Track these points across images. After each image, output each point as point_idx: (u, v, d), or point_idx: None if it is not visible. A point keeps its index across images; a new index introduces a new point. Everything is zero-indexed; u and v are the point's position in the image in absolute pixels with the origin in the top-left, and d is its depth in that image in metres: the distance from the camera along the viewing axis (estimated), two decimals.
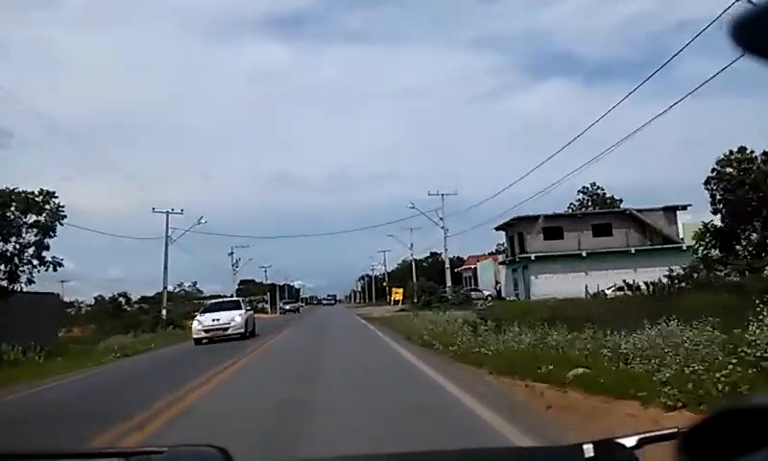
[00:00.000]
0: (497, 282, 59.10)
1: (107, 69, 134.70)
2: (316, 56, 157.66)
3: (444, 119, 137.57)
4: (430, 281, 51.15)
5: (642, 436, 1.21)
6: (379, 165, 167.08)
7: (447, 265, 48.66)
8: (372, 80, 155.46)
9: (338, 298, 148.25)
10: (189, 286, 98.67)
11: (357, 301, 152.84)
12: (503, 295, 54.03)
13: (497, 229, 54.98)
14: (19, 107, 71.74)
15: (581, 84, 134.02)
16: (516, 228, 50.44)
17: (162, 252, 47.42)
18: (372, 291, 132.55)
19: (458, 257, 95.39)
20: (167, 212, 47.26)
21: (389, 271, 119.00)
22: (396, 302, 69.24)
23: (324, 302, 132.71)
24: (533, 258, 47.50)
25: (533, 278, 47.76)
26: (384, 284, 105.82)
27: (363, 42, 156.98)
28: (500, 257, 57.70)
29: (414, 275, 70.38)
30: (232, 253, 79.58)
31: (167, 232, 46.97)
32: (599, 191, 66.04)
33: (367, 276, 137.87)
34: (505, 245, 55.64)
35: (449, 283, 47.80)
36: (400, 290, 69.74)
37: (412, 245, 70.29)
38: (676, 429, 1.09)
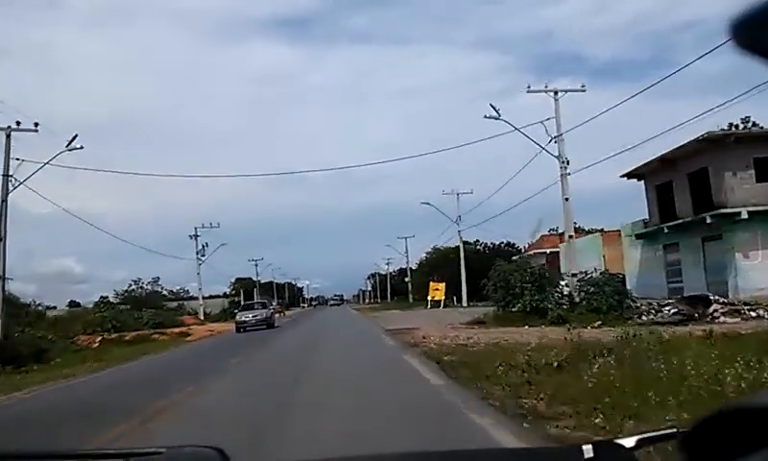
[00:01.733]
0: (613, 275, 35.10)
1: (112, 70, 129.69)
2: (321, 57, 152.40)
3: (451, 118, 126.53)
4: (540, 267, 26.36)
5: (642, 437, 1.17)
6: (385, 165, 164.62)
7: (570, 232, 24.35)
8: (377, 79, 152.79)
9: (345, 298, 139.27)
10: (149, 283, 74.71)
11: (367, 301, 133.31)
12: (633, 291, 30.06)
13: (628, 176, 31.14)
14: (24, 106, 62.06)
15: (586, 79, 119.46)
16: (688, 162, 26.52)
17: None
18: (386, 290, 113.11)
19: (507, 243, 71.60)
20: (8, 130, 23.66)
21: (405, 265, 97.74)
22: (437, 302, 45.64)
23: (332, 302, 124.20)
24: (744, 215, 23.50)
25: (739, 257, 23.85)
26: (406, 281, 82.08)
27: (368, 42, 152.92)
28: (627, 228, 33.67)
29: (462, 262, 46.52)
30: (197, 235, 56.30)
31: (7, 168, 23.33)
32: (755, 127, 41.72)
33: (377, 274, 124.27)
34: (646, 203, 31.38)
35: (571, 271, 23.73)
36: (442, 285, 45.97)
37: (459, 218, 46.20)
38: (675, 430, 1.06)
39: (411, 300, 76.79)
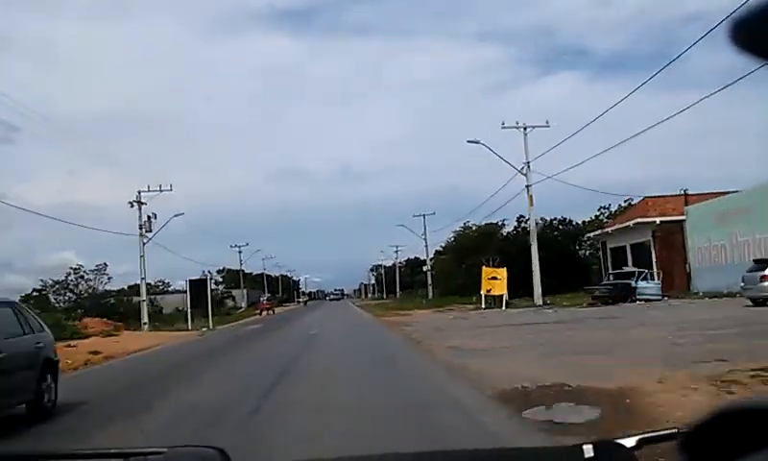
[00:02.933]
0: None
1: (112, 63, 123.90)
2: (323, 49, 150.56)
3: (453, 111, 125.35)
4: None
5: (642, 436, 1.16)
6: (387, 159, 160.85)
7: None
8: (380, 72, 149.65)
9: (345, 292, 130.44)
10: (93, 271, 57.80)
11: (370, 295, 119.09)
12: None
13: None
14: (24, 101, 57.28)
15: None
16: None
17: None
18: (393, 282, 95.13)
19: (561, 220, 54.93)
20: None
21: (415, 255, 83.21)
22: (495, 298, 29.29)
23: (332, 297, 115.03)
24: None
25: None
26: (425, 269, 65.48)
27: (370, 35, 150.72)
28: None
29: (533, 236, 30.05)
30: (140, 202, 40.02)
31: None
32: None
33: (382, 266, 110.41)
34: None
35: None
36: (502, 272, 29.39)
37: (528, 166, 29.37)
38: (676, 430, 1.05)
39: (431, 293, 60.32)
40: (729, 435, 0.76)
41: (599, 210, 64.06)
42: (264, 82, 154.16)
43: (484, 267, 29.15)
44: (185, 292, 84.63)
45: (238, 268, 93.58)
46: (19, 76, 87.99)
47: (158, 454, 1.16)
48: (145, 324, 37.78)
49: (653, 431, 1.20)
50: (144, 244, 39.93)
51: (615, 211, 61.66)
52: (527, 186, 29.00)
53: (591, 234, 38.84)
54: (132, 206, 39.84)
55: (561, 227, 52.49)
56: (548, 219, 52.67)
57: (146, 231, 39.89)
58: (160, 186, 40.01)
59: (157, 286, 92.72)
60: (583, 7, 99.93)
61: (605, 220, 61.99)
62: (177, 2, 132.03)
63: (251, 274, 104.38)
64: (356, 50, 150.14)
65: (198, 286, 31.22)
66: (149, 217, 40.04)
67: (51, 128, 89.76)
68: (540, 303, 27.82)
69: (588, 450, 1.09)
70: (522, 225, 52.04)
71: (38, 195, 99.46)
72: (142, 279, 40.24)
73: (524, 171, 29.00)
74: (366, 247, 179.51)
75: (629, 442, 1.14)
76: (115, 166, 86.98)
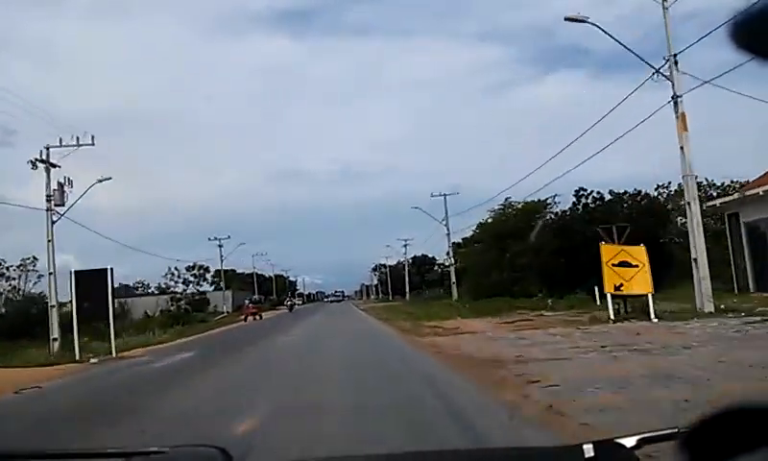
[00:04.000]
0: None
1: (112, 63, 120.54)
2: (323, 49, 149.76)
3: (453, 112, 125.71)
4: None
5: (642, 436, 1.16)
6: (386, 159, 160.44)
7: None
8: (380, 72, 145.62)
9: (346, 293, 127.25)
10: (18, 267, 44.07)
11: (373, 297, 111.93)
12: None
13: None
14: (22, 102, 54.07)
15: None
16: None
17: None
18: (401, 281, 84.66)
19: (639, 192, 40.62)
20: None
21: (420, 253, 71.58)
22: (623, 301, 16.29)
23: (332, 298, 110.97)
24: None
25: None
26: (448, 265, 52.48)
27: (370, 35, 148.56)
28: None
29: (691, 191, 17.16)
30: (47, 161, 27.33)
31: None
32: None
33: (386, 265, 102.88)
34: None
35: None
36: (641, 253, 16.26)
37: (675, 59, 16.45)
38: (676, 429, 1.05)
39: (456, 294, 47.52)
40: (729, 435, 0.75)
41: (656, 190, 51.25)
42: (264, 82, 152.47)
43: (603, 245, 16.06)
44: (156, 294, 69.95)
45: (230, 267, 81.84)
46: (19, 76, 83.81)
47: (161, 453, 1.13)
48: (55, 340, 24.87)
49: (653, 431, 1.14)
50: (54, 223, 27.09)
51: (675, 191, 49.15)
52: (675, 99, 16.13)
53: (717, 203, 25.95)
54: (36, 167, 27.13)
55: (631, 201, 39.34)
56: (617, 191, 39.64)
57: (56, 205, 27.14)
58: (78, 139, 27.24)
59: (136, 288, 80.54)
60: (583, 7, 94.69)
61: (663, 200, 49.81)
62: (177, 2, 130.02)
63: (242, 274, 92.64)
64: (356, 50, 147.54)
65: (90, 282, 17.45)
66: (60, 185, 27.27)
67: (50, 128, 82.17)
68: (712, 309, 15.11)
69: (589, 450, 1.06)
70: (583, 201, 39.41)
71: (37, 196, 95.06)
72: (50, 274, 27.11)
73: (665, 70, 16.19)
74: (366, 248, 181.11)
75: (629, 441, 1.10)
76: (115, 166, 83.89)
